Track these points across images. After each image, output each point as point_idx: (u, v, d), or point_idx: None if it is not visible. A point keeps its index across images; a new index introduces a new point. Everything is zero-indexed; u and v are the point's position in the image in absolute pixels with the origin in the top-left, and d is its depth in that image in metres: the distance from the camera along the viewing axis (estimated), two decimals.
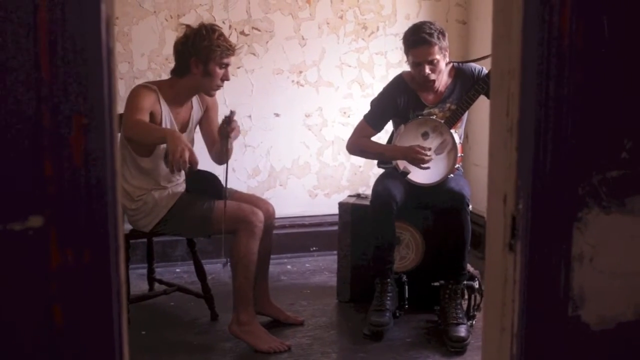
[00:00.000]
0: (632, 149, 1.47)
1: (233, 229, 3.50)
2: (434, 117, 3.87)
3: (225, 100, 4.80)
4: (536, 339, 1.51)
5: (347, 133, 4.26)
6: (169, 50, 3.72)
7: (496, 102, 1.53)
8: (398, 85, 3.98)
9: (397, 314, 3.87)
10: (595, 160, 1.47)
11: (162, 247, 4.71)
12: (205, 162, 3.65)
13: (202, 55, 3.53)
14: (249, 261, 3.50)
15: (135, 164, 3.61)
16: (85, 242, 1.25)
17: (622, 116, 1.47)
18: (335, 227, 4.31)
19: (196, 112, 3.78)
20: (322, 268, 4.84)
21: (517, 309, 1.50)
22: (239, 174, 4.93)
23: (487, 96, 3.72)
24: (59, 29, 1.19)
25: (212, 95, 3.72)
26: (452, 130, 3.83)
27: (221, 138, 3.57)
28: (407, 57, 3.85)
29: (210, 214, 3.54)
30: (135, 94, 3.52)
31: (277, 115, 5.04)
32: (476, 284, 3.80)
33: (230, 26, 4.84)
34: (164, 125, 3.55)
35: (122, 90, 4.43)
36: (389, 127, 4.11)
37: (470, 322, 3.77)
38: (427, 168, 3.79)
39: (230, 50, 3.59)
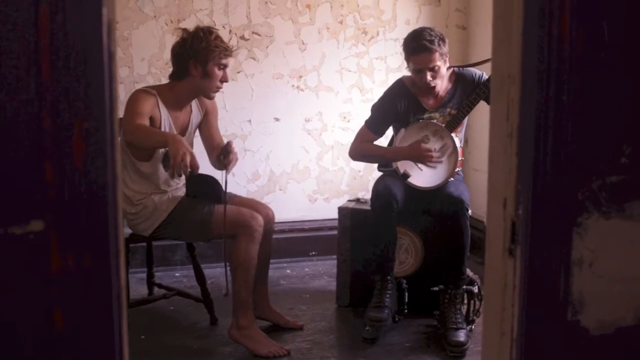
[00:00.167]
0: (631, 155, 1.48)
1: (233, 233, 3.50)
2: (435, 121, 3.87)
3: (225, 104, 4.81)
4: (536, 343, 1.51)
5: (347, 138, 4.27)
6: (169, 54, 3.72)
7: (496, 107, 1.53)
8: (398, 90, 3.99)
9: (397, 319, 3.87)
10: (595, 166, 1.47)
11: (162, 251, 4.71)
12: (205, 166, 3.65)
13: (200, 56, 3.53)
14: (249, 265, 3.50)
15: (135, 168, 3.61)
16: (85, 246, 1.25)
17: (622, 121, 1.47)
18: (335, 232, 4.31)
19: (195, 116, 3.78)
20: (321, 272, 4.84)
21: (516, 313, 1.50)
22: (239, 179, 4.93)
23: (487, 101, 3.73)
24: (61, 33, 1.19)
25: (211, 98, 3.72)
26: (453, 134, 3.83)
27: (219, 167, 3.60)
28: (408, 64, 3.86)
29: (210, 218, 3.54)
30: (134, 99, 3.52)
31: (277, 119, 5.04)
32: (475, 289, 3.80)
33: (230, 31, 4.84)
34: (163, 130, 3.55)
35: (122, 95, 4.42)
36: (389, 131, 4.11)
37: (470, 326, 3.77)
38: (434, 167, 3.80)
39: (228, 51, 3.60)
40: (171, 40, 3.84)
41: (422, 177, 3.85)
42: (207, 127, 3.85)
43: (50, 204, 1.23)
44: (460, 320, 3.68)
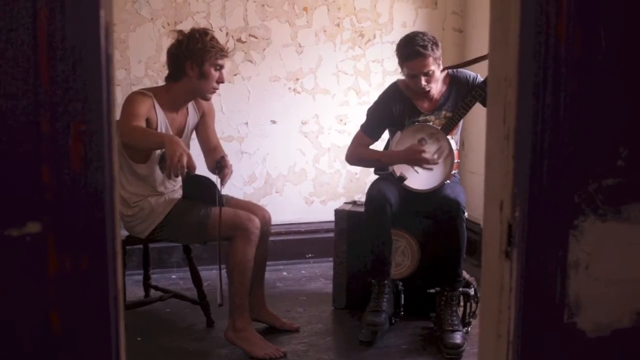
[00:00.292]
0: (628, 157, 1.48)
1: (229, 235, 3.50)
2: (430, 123, 3.88)
3: (222, 107, 4.81)
4: (532, 346, 1.51)
5: (343, 140, 4.27)
6: (165, 57, 3.73)
7: (493, 110, 1.53)
8: (393, 94, 3.99)
9: (393, 321, 3.87)
10: (591, 168, 1.47)
11: (158, 253, 4.70)
12: (201, 168, 3.65)
13: (196, 57, 3.54)
14: (245, 267, 3.50)
15: (132, 170, 3.61)
16: (82, 248, 1.25)
17: (619, 124, 1.48)
18: (331, 234, 4.31)
19: (192, 118, 3.78)
20: (317, 275, 4.84)
21: (513, 316, 1.50)
22: (235, 181, 4.92)
23: (483, 104, 3.74)
24: (58, 35, 1.19)
25: (208, 99, 3.73)
26: (449, 137, 3.83)
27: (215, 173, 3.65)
28: (402, 69, 3.87)
29: (206, 221, 3.54)
30: (130, 101, 3.52)
31: (273, 122, 5.04)
32: (472, 291, 3.81)
33: (227, 33, 4.85)
34: (159, 132, 3.55)
35: (119, 97, 4.42)
36: (386, 134, 4.12)
37: (466, 329, 3.77)
38: (430, 169, 3.80)
39: (224, 51, 3.61)
40: (168, 42, 3.85)
41: (419, 179, 3.86)
42: (203, 128, 3.85)
43: (48, 206, 1.23)
44: (456, 323, 3.68)
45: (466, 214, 3.80)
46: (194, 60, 3.55)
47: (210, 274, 4.33)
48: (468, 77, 3.95)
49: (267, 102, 5.00)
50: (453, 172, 3.89)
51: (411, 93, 3.93)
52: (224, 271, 3.54)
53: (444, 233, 3.79)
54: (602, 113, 1.47)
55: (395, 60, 3.92)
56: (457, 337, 3.61)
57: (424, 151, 3.79)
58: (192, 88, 3.62)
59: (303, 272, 4.92)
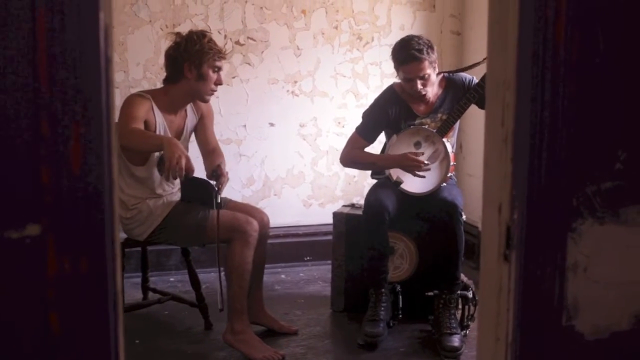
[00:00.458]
0: (626, 160, 1.48)
1: (227, 238, 3.50)
2: (426, 126, 3.88)
3: (220, 109, 4.81)
4: (530, 348, 1.51)
5: (341, 143, 4.27)
6: (164, 59, 3.73)
7: (491, 113, 1.54)
8: (389, 97, 4.00)
9: (391, 324, 3.88)
10: (589, 171, 1.48)
11: (157, 256, 4.70)
12: (200, 170, 3.65)
13: (195, 59, 3.55)
14: (244, 270, 3.50)
15: (130, 172, 3.61)
16: (82, 251, 1.25)
17: (617, 127, 1.48)
18: (330, 237, 4.31)
19: (191, 120, 3.79)
20: (316, 278, 4.84)
21: (511, 318, 1.50)
22: (234, 183, 4.92)
23: (478, 105, 3.74)
24: (58, 38, 1.19)
25: (206, 101, 3.73)
26: (445, 140, 3.84)
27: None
28: (398, 73, 3.88)
29: (205, 223, 3.54)
30: (129, 103, 3.52)
31: (271, 124, 5.04)
32: (470, 294, 3.81)
33: (225, 36, 4.85)
34: (158, 134, 3.55)
35: (118, 100, 4.42)
36: (382, 137, 4.12)
37: (464, 331, 3.77)
38: (423, 177, 3.81)
39: (221, 53, 3.62)
40: (166, 45, 3.85)
41: (415, 183, 3.86)
42: (202, 131, 3.85)
43: (47, 208, 1.23)
44: (454, 325, 3.68)
45: (464, 216, 3.80)
46: (192, 62, 3.55)
47: (209, 277, 4.34)
48: (464, 79, 3.95)
49: (265, 105, 5.01)
50: (450, 174, 3.89)
51: (407, 96, 3.93)
52: (223, 274, 3.53)
53: (442, 235, 3.79)
54: (600, 116, 1.47)
55: None
56: (456, 340, 3.61)
57: (417, 159, 3.78)
58: (190, 90, 3.62)
59: (301, 274, 4.92)
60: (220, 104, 4.82)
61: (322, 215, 5.04)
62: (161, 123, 3.59)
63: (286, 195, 5.15)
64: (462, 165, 5.13)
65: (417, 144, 3.88)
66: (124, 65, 4.70)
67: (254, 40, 4.94)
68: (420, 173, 3.80)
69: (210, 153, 3.80)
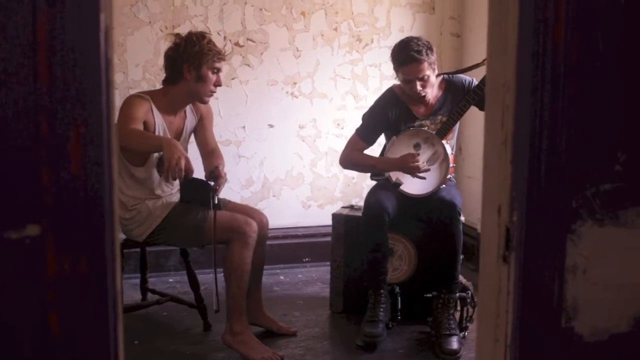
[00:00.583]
0: (625, 162, 1.49)
1: (226, 239, 3.50)
2: (426, 128, 3.89)
3: (219, 111, 4.81)
4: (530, 350, 1.51)
5: (340, 145, 4.27)
6: (163, 60, 3.73)
7: (491, 115, 1.54)
8: (389, 99, 4.00)
9: (390, 325, 3.88)
10: (589, 173, 1.48)
11: (156, 257, 4.71)
12: (199, 171, 3.65)
13: (194, 60, 3.55)
14: (243, 271, 3.50)
15: (129, 173, 3.61)
16: (82, 251, 1.25)
17: (616, 129, 1.48)
18: (328, 238, 4.31)
19: (190, 121, 3.79)
20: (315, 279, 4.84)
21: (510, 320, 1.50)
22: (233, 185, 4.93)
23: (478, 107, 3.75)
24: (58, 39, 1.20)
25: (205, 102, 3.72)
26: (444, 141, 3.84)
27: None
28: (397, 74, 3.88)
29: (204, 224, 3.53)
30: (128, 104, 3.52)
31: (271, 126, 5.04)
32: (468, 295, 3.81)
33: (225, 37, 4.85)
34: (157, 134, 3.56)
35: (117, 101, 4.42)
36: (382, 139, 4.12)
37: (463, 333, 3.77)
38: (424, 178, 3.81)
39: (221, 54, 3.62)
40: (165, 46, 3.85)
41: (414, 184, 3.86)
42: (202, 132, 3.85)
43: (47, 209, 1.23)
44: (453, 327, 3.68)
45: (463, 217, 3.80)
46: (192, 63, 3.55)
47: (208, 278, 4.33)
48: (464, 81, 3.95)
49: (264, 106, 5.01)
50: (449, 176, 3.89)
51: (407, 98, 3.93)
52: (220, 275, 3.53)
53: (441, 236, 3.79)
54: (599, 118, 1.47)
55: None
56: (454, 341, 3.61)
57: (417, 161, 3.78)
58: (190, 91, 3.62)
59: (300, 276, 4.92)
60: (219, 105, 4.82)
61: (321, 217, 5.04)
62: (160, 124, 3.59)
63: (285, 197, 5.15)
64: (461, 167, 5.13)
65: (417, 146, 3.88)
66: (123, 66, 4.70)
67: (254, 42, 4.94)
68: (420, 175, 3.80)
69: (210, 154, 3.80)
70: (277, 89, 5.02)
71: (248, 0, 4.88)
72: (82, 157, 1.23)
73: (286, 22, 4.97)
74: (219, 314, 3.55)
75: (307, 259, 5.09)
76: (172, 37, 3.69)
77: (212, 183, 3.58)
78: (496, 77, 1.51)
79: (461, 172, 5.12)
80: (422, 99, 3.87)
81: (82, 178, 1.24)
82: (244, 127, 4.99)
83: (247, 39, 4.92)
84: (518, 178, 1.46)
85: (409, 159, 3.78)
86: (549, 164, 1.45)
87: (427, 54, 3.76)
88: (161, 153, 3.34)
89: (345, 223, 4.16)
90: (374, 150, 4.15)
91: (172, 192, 3.75)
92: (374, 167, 4.03)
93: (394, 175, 3.88)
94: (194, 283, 3.92)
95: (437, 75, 3.91)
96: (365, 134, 4.01)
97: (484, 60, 3.52)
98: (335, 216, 4.23)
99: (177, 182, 3.71)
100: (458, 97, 3.88)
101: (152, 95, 3.63)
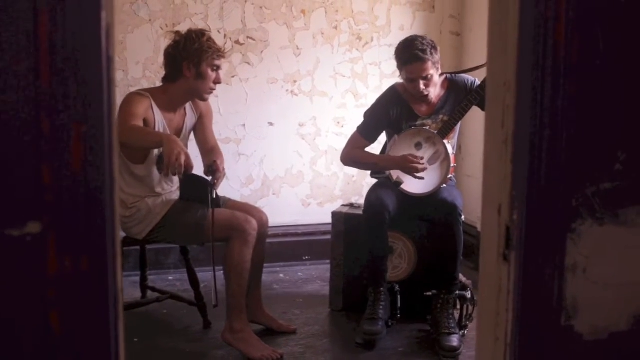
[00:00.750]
0: (625, 161, 1.49)
1: (226, 236, 3.50)
2: (427, 127, 3.88)
3: (219, 109, 4.81)
4: (529, 348, 1.52)
5: (340, 143, 4.27)
6: (163, 58, 3.73)
7: (491, 114, 1.54)
8: (391, 97, 4.00)
9: (390, 324, 3.88)
10: (589, 172, 1.48)
11: (155, 254, 4.71)
12: (199, 169, 3.65)
13: (193, 57, 3.55)
14: (242, 269, 3.50)
15: (129, 171, 3.61)
16: (83, 249, 1.25)
17: (617, 128, 1.48)
18: (328, 237, 4.31)
19: (190, 118, 3.79)
20: (314, 277, 4.85)
21: (510, 318, 1.51)
22: (233, 183, 4.93)
23: (480, 107, 3.74)
24: (60, 37, 1.20)
25: (205, 100, 3.73)
26: (445, 141, 3.84)
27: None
28: (401, 73, 3.87)
29: (203, 222, 3.54)
30: (128, 101, 3.52)
31: (271, 124, 5.04)
32: (468, 294, 3.81)
33: (225, 35, 4.85)
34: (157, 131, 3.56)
35: (117, 98, 4.41)
36: (383, 137, 4.12)
37: (463, 331, 3.77)
38: (422, 178, 3.81)
39: (220, 52, 3.62)
40: (165, 44, 3.85)
41: (415, 183, 3.86)
42: (201, 129, 3.85)
43: (48, 206, 1.23)
44: (453, 325, 3.69)
45: (463, 217, 3.80)
46: (191, 61, 3.55)
47: (208, 276, 4.32)
48: (466, 81, 3.95)
49: (264, 104, 5.01)
50: (450, 176, 3.89)
51: (409, 97, 3.93)
52: (220, 272, 3.53)
53: (441, 236, 3.79)
54: (600, 117, 1.47)
55: (393, 63, 3.93)
56: (454, 340, 3.61)
57: (417, 162, 3.78)
58: (189, 89, 3.62)
59: (300, 274, 4.92)
60: (219, 103, 4.82)
61: (321, 215, 5.05)
62: (160, 121, 3.59)
63: (285, 195, 5.15)
64: (461, 166, 5.13)
65: (418, 145, 3.88)
66: (123, 64, 4.70)
67: (254, 40, 4.94)
68: (419, 175, 3.80)
69: (209, 152, 3.80)
70: (277, 87, 5.02)
71: None
72: (83, 155, 1.23)
73: (286, 20, 4.97)
74: (218, 311, 3.55)
75: (307, 257, 5.10)
76: (172, 34, 3.69)
77: (210, 178, 3.58)
78: (497, 76, 1.51)
79: (461, 171, 5.12)
80: (424, 98, 3.86)
81: (83, 176, 1.24)
82: (244, 125, 4.99)
83: (247, 37, 4.92)
84: (518, 177, 1.46)
85: (409, 159, 3.78)
86: (549, 163, 1.45)
87: (431, 54, 3.76)
88: (161, 150, 3.34)
89: (345, 221, 4.16)
90: (375, 148, 4.15)
91: (172, 189, 3.75)
92: (375, 165, 4.04)
93: (395, 174, 3.88)
94: (193, 281, 3.92)
95: (440, 75, 3.91)
96: (366, 131, 4.01)
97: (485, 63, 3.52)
98: (335, 214, 4.23)
99: (176, 180, 3.71)
100: (460, 97, 3.88)
101: (152, 92, 3.63)
